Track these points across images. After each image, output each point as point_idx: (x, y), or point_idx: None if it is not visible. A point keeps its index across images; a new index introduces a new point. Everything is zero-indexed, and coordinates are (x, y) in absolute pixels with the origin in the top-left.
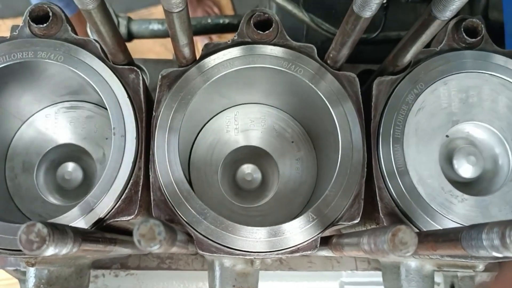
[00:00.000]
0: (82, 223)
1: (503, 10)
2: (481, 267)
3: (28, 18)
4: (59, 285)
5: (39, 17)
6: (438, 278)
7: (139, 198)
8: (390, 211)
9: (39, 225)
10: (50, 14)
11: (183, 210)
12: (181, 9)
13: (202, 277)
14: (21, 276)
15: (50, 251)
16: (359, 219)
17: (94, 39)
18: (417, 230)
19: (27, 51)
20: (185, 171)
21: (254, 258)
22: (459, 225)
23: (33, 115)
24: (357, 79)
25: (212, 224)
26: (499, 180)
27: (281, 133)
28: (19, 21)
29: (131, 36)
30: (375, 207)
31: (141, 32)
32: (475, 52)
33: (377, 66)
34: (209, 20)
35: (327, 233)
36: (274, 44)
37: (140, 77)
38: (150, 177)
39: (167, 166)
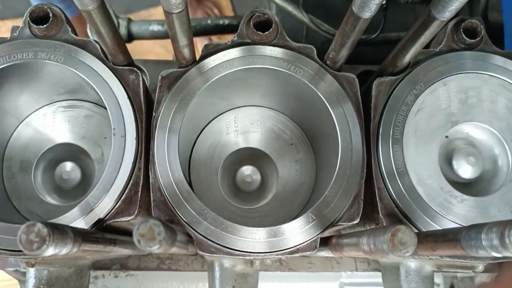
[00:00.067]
0: (82, 224)
1: (502, 11)
2: (480, 267)
3: (28, 19)
4: (59, 285)
5: (39, 18)
6: (438, 279)
7: (139, 199)
8: (389, 211)
9: (39, 225)
10: (50, 15)
11: (183, 211)
12: (181, 10)
13: (202, 278)
14: (21, 277)
15: (50, 251)
16: (358, 219)
17: (94, 40)
18: (417, 231)
19: (27, 52)
20: (185, 172)
21: (254, 258)
22: (458, 226)
23: (30, 114)
24: (356, 80)
25: (212, 225)
26: (499, 180)
27: (280, 135)
28: (19, 22)
29: (131, 37)
30: (374, 207)
31: (141, 33)
32: (475, 53)
33: (376, 67)
34: (209, 21)
35: (326, 233)
36: (274, 45)
37: (140, 78)
38: (150, 177)
39: (167, 167)
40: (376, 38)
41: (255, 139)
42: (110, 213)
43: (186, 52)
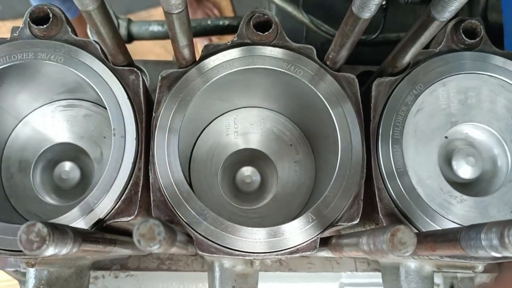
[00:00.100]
0: (82, 224)
1: (502, 11)
2: (480, 268)
3: (28, 19)
4: (59, 286)
5: (39, 18)
6: (438, 279)
7: (139, 199)
8: (389, 211)
9: (39, 225)
10: (50, 15)
11: (183, 211)
12: (180, 10)
13: (202, 278)
14: (21, 277)
15: (50, 251)
16: (358, 219)
17: (94, 41)
18: (417, 231)
19: (27, 52)
20: (186, 173)
21: (254, 258)
22: (458, 226)
23: (29, 113)
24: (356, 80)
25: (212, 225)
26: (498, 181)
27: (280, 136)
28: (19, 23)
29: (131, 38)
30: (374, 207)
31: (141, 34)
32: (474, 53)
33: (376, 68)
34: (209, 22)
35: (326, 233)
36: (274, 45)
37: (140, 78)
38: (150, 177)
39: (167, 167)
40: (376, 39)
41: (255, 140)
42: (110, 213)
43: (186, 52)
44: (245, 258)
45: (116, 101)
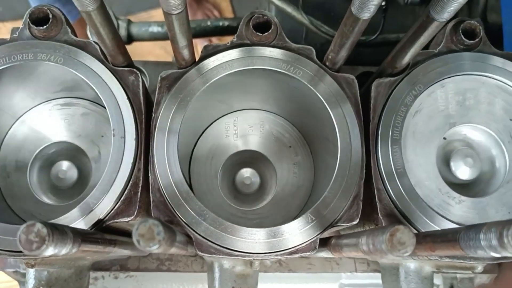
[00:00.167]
0: (81, 224)
1: (501, 12)
2: (480, 268)
3: (28, 20)
4: (58, 286)
5: (39, 19)
6: (438, 280)
7: (138, 199)
8: (389, 212)
9: (39, 225)
10: (50, 16)
11: (182, 211)
12: (180, 11)
13: (202, 279)
14: (21, 278)
15: (50, 251)
16: (358, 220)
17: (94, 41)
18: (416, 231)
19: (27, 53)
20: (186, 174)
21: (253, 259)
22: (457, 226)
23: (26, 112)
24: (355, 81)
25: (212, 225)
26: (496, 181)
27: (279, 138)
28: (19, 24)
29: (131, 39)
30: (374, 208)
31: (141, 35)
32: (473, 54)
33: (376, 68)
34: (209, 23)
35: (326, 234)
36: (273, 46)
37: (140, 79)
38: (150, 178)
39: (166, 168)
40: (375, 40)
41: (254, 142)
42: (110, 214)
43: (185, 53)
44: (245, 258)
45: (115, 102)
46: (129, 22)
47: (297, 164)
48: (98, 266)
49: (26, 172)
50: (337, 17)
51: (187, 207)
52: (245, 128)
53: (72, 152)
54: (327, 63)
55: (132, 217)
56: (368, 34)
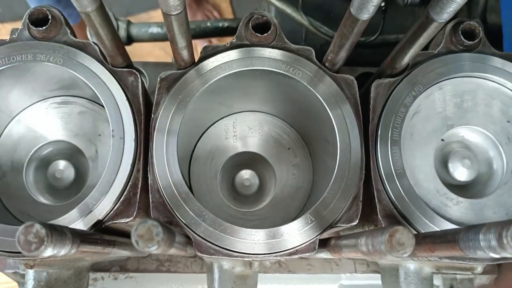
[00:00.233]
0: (81, 225)
1: (501, 13)
2: (479, 269)
3: (27, 21)
4: (58, 287)
5: (38, 20)
6: (437, 280)
7: (137, 200)
8: (388, 213)
9: (38, 226)
10: (49, 17)
11: (181, 212)
12: (179, 11)
13: (201, 280)
14: (20, 279)
15: (49, 252)
16: (357, 221)
17: (93, 42)
18: (415, 232)
19: (27, 53)
20: (185, 175)
21: (253, 260)
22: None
23: (22, 110)
24: (355, 82)
25: (211, 226)
26: (494, 183)
27: (278, 140)
28: (19, 25)
29: (130, 40)
30: (373, 209)
31: (140, 36)
32: (473, 54)
33: (375, 69)
34: (209, 24)
35: (325, 235)
36: (273, 47)
37: (139, 80)
38: (149, 179)
39: (165, 168)
40: (375, 40)
41: (253, 144)
42: (109, 215)
43: (184, 54)
44: (244, 259)
45: (115, 103)
46: (128, 23)
47: (296, 165)
48: (98, 267)
49: (22, 171)
50: (336, 18)
51: (186, 208)
52: (245, 129)
53: (69, 151)
54: (326, 64)
55: (131, 218)
56: (367, 35)
